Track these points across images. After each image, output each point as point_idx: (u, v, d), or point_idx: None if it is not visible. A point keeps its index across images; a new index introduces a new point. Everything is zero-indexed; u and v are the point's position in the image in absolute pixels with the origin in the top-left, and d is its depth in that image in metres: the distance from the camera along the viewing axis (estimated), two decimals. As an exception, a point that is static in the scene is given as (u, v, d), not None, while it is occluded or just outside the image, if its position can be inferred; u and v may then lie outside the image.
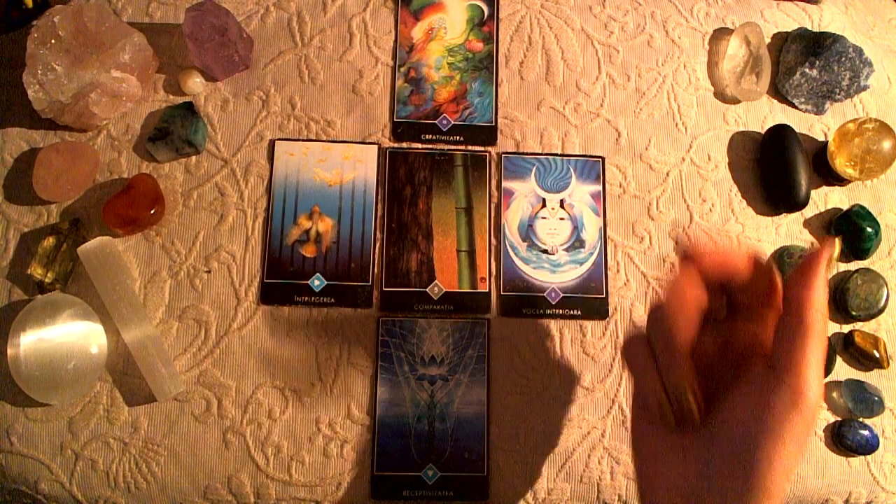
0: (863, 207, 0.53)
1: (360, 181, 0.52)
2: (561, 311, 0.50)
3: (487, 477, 0.47)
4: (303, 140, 0.52)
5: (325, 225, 0.51)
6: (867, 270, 0.52)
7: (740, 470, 0.31)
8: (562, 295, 0.50)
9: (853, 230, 0.52)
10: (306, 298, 0.49)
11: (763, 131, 0.55)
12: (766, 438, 0.31)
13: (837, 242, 0.33)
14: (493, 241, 0.51)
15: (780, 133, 0.53)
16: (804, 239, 0.53)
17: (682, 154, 0.54)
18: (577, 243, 0.52)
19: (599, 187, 0.53)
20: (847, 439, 0.49)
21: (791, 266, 0.51)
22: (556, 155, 0.53)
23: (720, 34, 0.58)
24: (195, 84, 0.52)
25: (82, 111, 0.49)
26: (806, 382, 0.31)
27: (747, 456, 0.31)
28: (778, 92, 0.57)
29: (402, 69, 0.55)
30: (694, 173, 0.54)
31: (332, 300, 0.49)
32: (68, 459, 0.46)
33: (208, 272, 0.49)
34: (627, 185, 0.53)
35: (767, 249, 0.53)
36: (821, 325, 0.32)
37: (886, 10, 0.62)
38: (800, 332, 0.32)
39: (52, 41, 0.48)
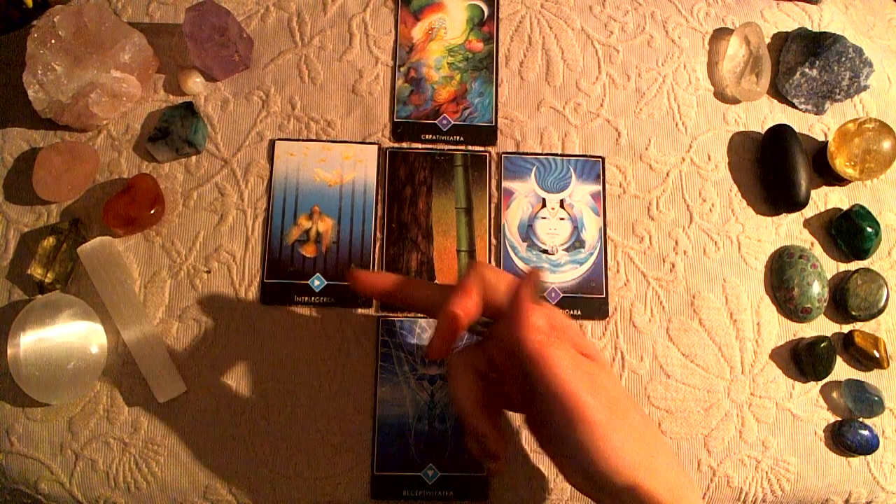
0: (863, 207, 0.53)
1: (360, 181, 0.52)
2: (561, 311, 0.50)
3: (487, 477, 0.47)
4: (303, 140, 0.52)
5: (325, 225, 0.51)
6: (867, 270, 0.52)
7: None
8: (562, 295, 0.50)
9: (853, 230, 0.52)
10: (306, 298, 0.49)
11: (763, 131, 0.55)
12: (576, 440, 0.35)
13: (543, 272, 0.37)
14: (493, 241, 0.51)
15: (780, 133, 0.53)
16: (804, 239, 0.53)
17: (682, 154, 0.54)
18: (577, 243, 0.52)
19: (599, 187, 0.53)
20: (847, 439, 0.49)
21: (791, 266, 0.51)
22: (556, 155, 0.53)
23: (720, 34, 0.58)
24: (195, 84, 0.52)
25: (82, 111, 0.49)
26: (564, 393, 0.35)
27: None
28: (778, 92, 0.57)
29: (402, 69, 0.55)
30: (694, 173, 0.54)
31: (332, 300, 0.49)
32: (68, 459, 0.46)
33: (208, 272, 0.49)
34: (627, 185, 0.53)
35: (767, 249, 0.53)
36: (541, 344, 0.36)
37: (886, 10, 0.62)
38: (528, 363, 0.36)
39: (52, 41, 0.48)
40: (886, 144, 0.52)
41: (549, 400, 0.36)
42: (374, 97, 0.54)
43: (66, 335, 0.46)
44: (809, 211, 0.54)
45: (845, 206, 0.54)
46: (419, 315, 0.49)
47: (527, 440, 0.48)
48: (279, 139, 0.52)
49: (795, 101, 0.56)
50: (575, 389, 0.35)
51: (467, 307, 0.38)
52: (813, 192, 0.54)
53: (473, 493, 0.47)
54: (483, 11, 0.56)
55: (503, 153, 0.53)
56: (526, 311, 0.37)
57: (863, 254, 0.52)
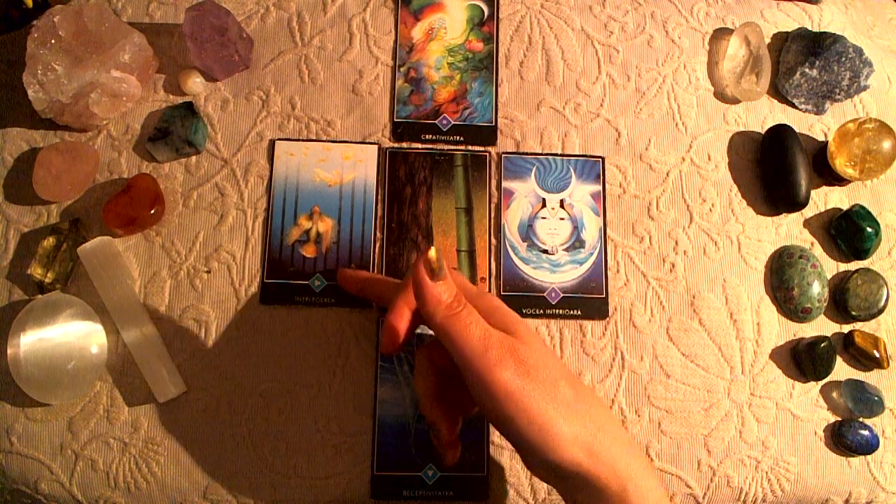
0: (863, 207, 0.53)
1: (360, 181, 0.52)
2: (561, 311, 0.50)
3: (487, 477, 0.47)
4: (303, 140, 0.52)
5: (325, 225, 0.51)
6: (867, 270, 0.52)
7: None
8: (562, 295, 0.50)
9: (853, 230, 0.52)
10: (306, 298, 0.49)
11: (763, 131, 0.55)
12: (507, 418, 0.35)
13: (432, 250, 0.37)
14: (493, 241, 0.51)
15: (780, 133, 0.53)
16: (804, 239, 0.53)
17: (682, 154, 0.54)
18: (577, 243, 0.52)
19: (599, 187, 0.53)
20: (847, 439, 0.49)
21: (791, 266, 0.51)
22: (556, 155, 0.53)
23: (720, 34, 0.58)
24: (195, 84, 0.52)
25: (82, 111, 0.49)
26: (484, 356, 0.35)
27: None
28: (778, 92, 0.57)
29: (402, 69, 0.55)
30: (694, 173, 0.54)
31: (332, 300, 0.49)
32: (68, 459, 0.46)
33: (208, 272, 0.49)
34: (627, 185, 0.53)
35: (767, 249, 0.53)
36: (445, 317, 0.36)
37: (886, 10, 0.62)
38: (439, 338, 0.37)
39: (52, 41, 0.48)
40: (886, 144, 0.52)
41: (465, 376, 0.36)
42: (374, 97, 0.54)
43: (66, 335, 0.46)
44: (809, 211, 0.54)
45: (845, 206, 0.54)
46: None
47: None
48: (279, 139, 0.52)
49: (795, 101, 0.56)
50: (487, 357, 0.35)
51: (411, 302, 0.40)
52: (813, 192, 0.54)
53: (473, 493, 0.47)
54: (483, 11, 0.56)
55: (503, 153, 0.53)
56: (423, 287, 0.37)
57: (863, 254, 0.52)
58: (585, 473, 0.34)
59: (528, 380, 0.35)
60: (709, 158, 0.54)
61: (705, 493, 0.48)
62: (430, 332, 0.43)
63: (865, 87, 0.56)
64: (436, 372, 0.40)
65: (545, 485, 0.47)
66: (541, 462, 0.35)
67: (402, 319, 0.40)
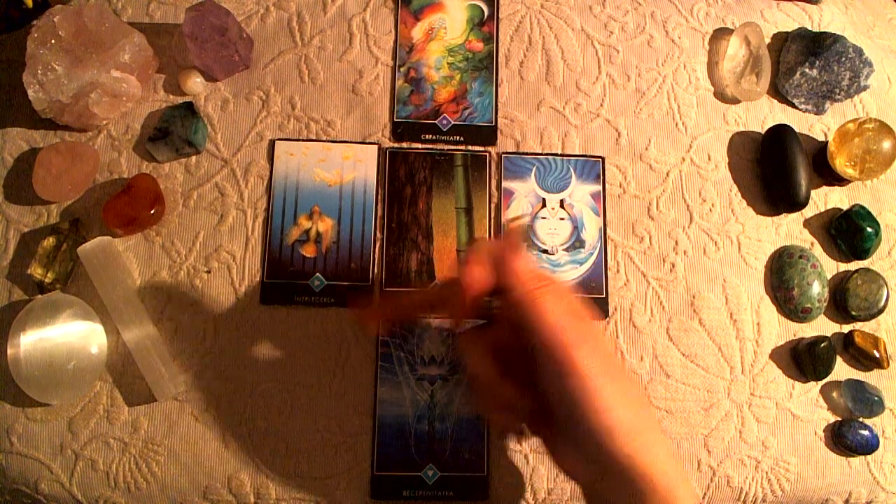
0: (863, 207, 0.53)
1: (360, 181, 0.52)
2: (561, 311, 0.50)
3: (487, 477, 0.47)
4: (303, 140, 0.52)
5: (325, 225, 0.51)
6: (867, 270, 0.52)
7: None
8: (562, 295, 0.50)
9: (853, 230, 0.52)
10: (306, 298, 0.49)
11: (763, 131, 0.55)
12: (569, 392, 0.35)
13: (523, 222, 0.37)
14: (494, 240, 0.51)
15: (780, 133, 0.53)
16: (804, 239, 0.53)
17: (682, 154, 0.54)
18: (577, 243, 0.52)
19: (599, 187, 0.53)
20: (847, 439, 0.49)
21: (791, 266, 0.51)
22: (556, 155, 0.53)
23: (720, 34, 0.58)
24: (195, 84, 0.52)
25: (82, 111, 0.49)
26: (545, 326, 0.35)
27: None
28: (778, 92, 0.57)
29: (402, 69, 0.55)
30: (694, 173, 0.54)
31: (332, 300, 0.49)
32: (68, 459, 0.46)
33: (208, 272, 0.49)
34: (627, 185, 0.53)
35: (767, 249, 0.53)
36: (531, 291, 0.36)
37: (886, 10, 0.62)
38: (520, 311, 0.36)
39: (52, 41, 0.48)
40: (886, 144, 0.52)
41: (542, 353, 0.35)
42: (374, 97, 0.54)
43: (66, 335, 0.46)
44: (809, 211, 0.54)
45: (845, 206, 0.54)
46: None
47: (526, 440, 0.48)
48: (279, 139, 0.52)
49: (795, 101, 0.56)
50: (566, 338, 0.34)
51: (474, 274, 0.38)
52: (813, 192, 0.54)
53: (473, 493, 0.47)
54: (483, 11, 0.56)
55: (503, 153, 0.53)
56: (510, 259, 0.37)
57: (863, 254, 0.52)
58: (636, 470, 0.34)
59: (605, 367, 0.35)
60: (709, 158, 0.54)
61: (705, 494, 0.48)
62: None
63: (865, 87, 0.56)
64: (487, 351, 0.40)
65: (545, 485, 0.47)
66: (593, 451, 0.34)
67: (472, 286, 0.38)
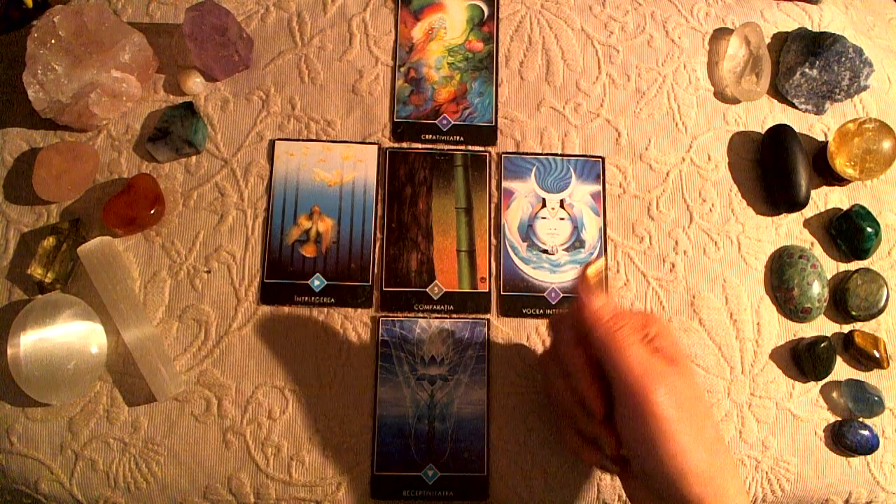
0: (863, 207, 0.53)
1: (360, 181, 0.52)
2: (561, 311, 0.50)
3: (487, 477, 0.47)
4: (303, 140, 0.52)
5: (325, 225, 0.51)
6: (867, 270, 0.52)
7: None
8: (562, 295, 0.50)
9: (853, 230, 0.52)
10: (306, 298, 0.49)
11: (763, 131, 0.55)
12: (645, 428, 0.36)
13: (591, 267, 0.39)
14: (493, 241, 0.51)
15: (780, 133, 0.53)
16: (804, 239, 0.53)
17: (682, 154, 0.54)
18: (577, 243, 0.52)
19: (599, 187, 0.53)
20: (847, 439, 0.49)
21: (791, 266, 0.51)
22: (556, 155, 0.53)
23: (720, 34, 0.58)
24: (195, 84, 0.52)
25: (82, 111, 0.49)
26: (629, 371, 0.36)
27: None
28: (778, 92, 0.57)
29: (402, 69, 0.54)
30: (694, 173, 0.54)
31: (332, 300, 0.49)
32: (68, 459, 0.46)
33: (208, 272, 0.49)
34: (627, 185, 0.53)
35: (767, 249, 0.53)
36: (609, 329, 0.37)
37: (886, 10, 0.62)
38: (599, 347, 0.37)
39: (52, 41, 0.48)
40: (886, 144, 0.52)
41: (620, 389, 0.36)
42: (374, 97, 0.54)
43: (66, 335, 0.46)
44: (809, 211, 0.54)
45: (845, 206, 0.54)
46: (419, 315, 0.49)
47: (526, 440, 0.48)
48: (279, 139, 0.52)
49: (795, 101, 0.56)
50: (645, 379, 0.35)
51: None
52: (813, 192, 0.54)
53: (473, 493, 0.47)
54: (483, 11, 0.56)
55: (503, 153, 0.53)
56: (585, 300, 0.38)
57: (863, 254, 0.52)
58: None
59: (681, 411, 0.35)
60: (709, 158, 0.54)
61: (705, 493, 0.48)
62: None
63: (865, 87, 0.56)
64: (583, 343, 0.40)
65: (545, 485, 0.47)
66: (665, 491, 0.35)
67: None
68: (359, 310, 0.49)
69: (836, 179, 0.54)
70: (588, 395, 0.39)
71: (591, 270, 0.38)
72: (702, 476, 0.34)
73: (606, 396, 0.39)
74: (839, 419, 0.50)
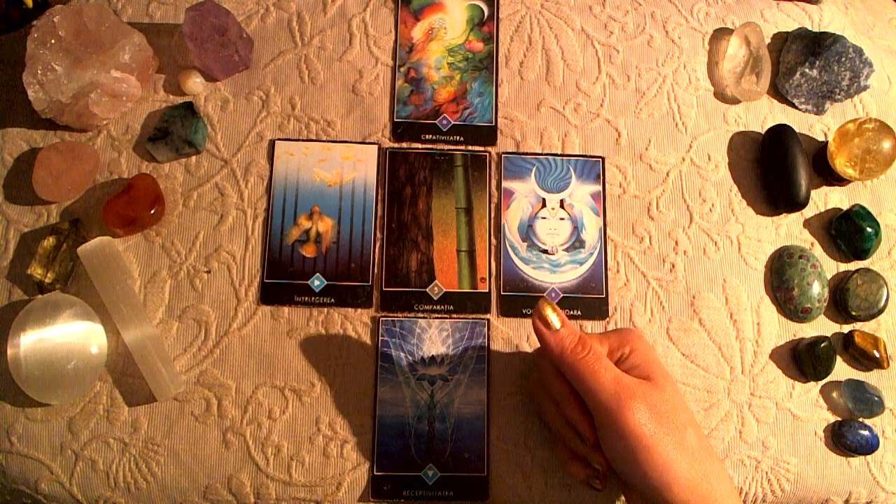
0: (863, 207, 0.53)
1: (360, 181, 0.52)
2: (561, 311, 0.50)
3: (487, 477, 0.47)
4: (303, 140, 0.52)
5: (325, 225, 0.51)
6: (867, 270, 0.52)
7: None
8: (562, 295, 0.50)
9: (853, 230, 0.52)
10: (306, 298, 0.49)
11: (763, 131, 0.55)
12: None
13: (544, 308, 0.40)
14: (493, 241, 0.51)
15: (780, 133, 0.53)
16: (804, 239, 0.53)
17: (682, 154, 0.54)
18: (577, 243, 0.52)
19: (599, 187, 0.53)
20: (847, 439, 0.49)
21: (791, 266, 0.51)
22: (556, 155, 0.53)
23: (720, 34, 0.58)
24: (195, 84, 0.52)
25: (82, 111, 0.49)
26: (606, 396, 0.37)
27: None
28: (778, 92, 0.57)
29: (402, 69, 0.55)
30: (694, 173, 0.54)
31: (332, 300, 0.49)
32: (68, 459, 0.46)
33: (208, 272, 0.49)
34: (627, 185, 0.53)
35: (767, 249, 0.53)
36: (571, 360, 0.38)
37: (886, 10, 0.62)
38: (573, 378, 0.39)
39: (52, 41, 0.48)
40: (886, 144, 0.52)
41: (596, 412, 0.38)
42: (374, 97, 0.54)
43: (66, 335, 0.46)
44: (809, 211, 0.54)
45: (845, 206, 0.54)
46: (419, 315, 0.49)
47: (526, 440, 0.48)
48: (279, 139, 0.52)
49: (795, 101, 0.56)
50: (618, 398, 0.36)
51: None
52: (813, 192, 0.54)
53: (473, 493, 0.47)
54: (483, 11, 0.56)
55: (503, 153, 0.53)
56: (543, 336, 0.39)
57: (863, 254, 0.52)
58: None
59: (659, 424, 0.36)
60: (709, 158, 0.54)
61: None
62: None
63: (865, 87, 0.56)
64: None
65: (545, 485, 0.47)
66: (654, 501, 0.37)
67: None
68: (359, 310, 0.49)
69: (836, 179, 0.54)
70: (577, 422, 0.40)
71: (545, 311, 0.40)
72: (686, 485, 0.36)
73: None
74: (839, 419, 0.50)
